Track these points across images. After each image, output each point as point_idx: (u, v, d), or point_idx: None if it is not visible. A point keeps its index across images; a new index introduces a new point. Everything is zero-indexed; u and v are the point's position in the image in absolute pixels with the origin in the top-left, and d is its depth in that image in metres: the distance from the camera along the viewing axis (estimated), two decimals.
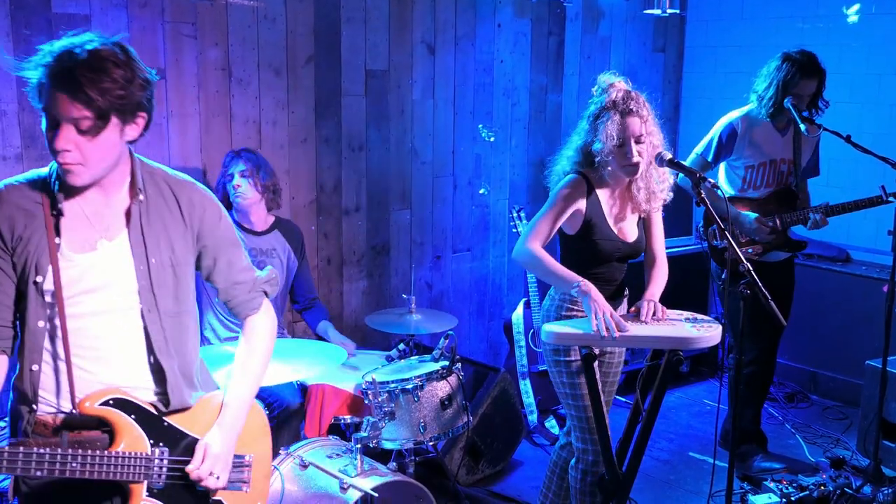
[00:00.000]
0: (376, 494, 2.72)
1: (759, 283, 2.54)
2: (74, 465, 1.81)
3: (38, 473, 1.78)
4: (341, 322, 4.26)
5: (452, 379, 3.26)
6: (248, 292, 2.14)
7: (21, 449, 1.76)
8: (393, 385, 3.10)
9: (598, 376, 2.73)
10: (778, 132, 3.79)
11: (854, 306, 4.74)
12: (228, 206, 3.51)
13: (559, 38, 5.07)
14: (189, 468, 1.97)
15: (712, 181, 2.71)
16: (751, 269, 2.56)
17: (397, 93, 4.34)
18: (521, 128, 4.97)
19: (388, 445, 3.15)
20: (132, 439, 1.91)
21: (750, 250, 3.75)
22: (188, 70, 3.62)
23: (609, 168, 2.81)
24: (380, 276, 4.43)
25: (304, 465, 2.89)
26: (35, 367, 1.88)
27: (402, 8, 4.28)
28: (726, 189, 3.88)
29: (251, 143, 3.83)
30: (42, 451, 1.77)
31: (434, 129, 4.54)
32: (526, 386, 4.35)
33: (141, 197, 1.93)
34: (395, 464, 3.17)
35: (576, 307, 2.85)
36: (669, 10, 5.07)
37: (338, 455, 2.95)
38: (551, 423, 4.40)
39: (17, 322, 1.91)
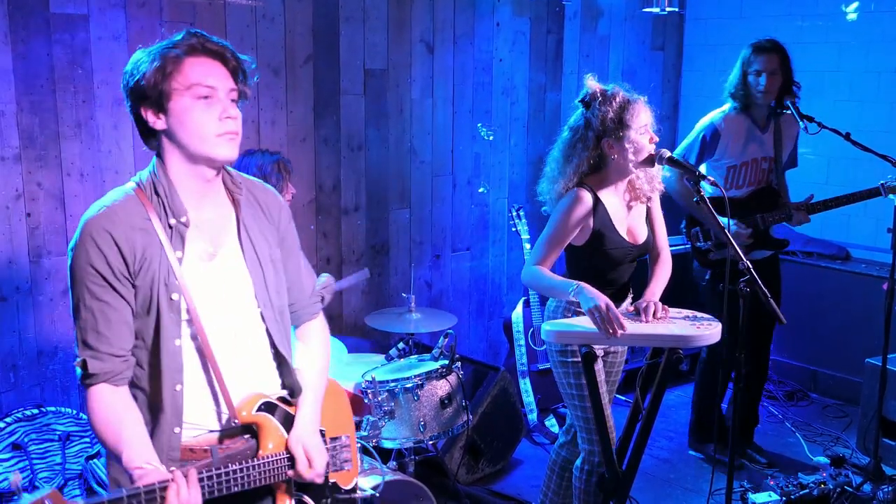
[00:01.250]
0: (376, 494, 2.72)
1: (759, 282, 2.54)
2: (247, 477, 1.80)
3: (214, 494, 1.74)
4: (341, 321, 4.26)
5: (452, 378, 3.26)
6: (311, 296, 2.14)
7: (213, 471, 1.73)
8: (393, 384, 3.10)
9: (602, 376, 2.73)
10: (759, 129, 3.79)
11: (854, 304, 4.74)
12: None
13: (558, 36, 5.06)
14: (300, 470, 1.89)
15: (711, 178, 2.71)
16: (751, 267, 2.55)
17: (396, 92, 4.34)
18: (520, 126, 4.97)
19: (387, 444, 3.15)
20: (277, 440, 1.90)
21: None
22: None
23: (623, 162, 2.77)
24: (379, 276, 4.43)
25: None
26: (179, 387, 1.82)
27: (400, 7, 4.28)
28: (708, 189, 3.87)
29: (250, 143, 3.83)
30: (224, 468, 1.75)
31: (433, 128, 4.54)
32: (526, 385, 4.35)
33: (243, 191, 1.94)
34: (395, 463, 3.17)
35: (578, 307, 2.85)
36: (668, 9, 5.06)
37: None
38: (551, 422, 4.40)
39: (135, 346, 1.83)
